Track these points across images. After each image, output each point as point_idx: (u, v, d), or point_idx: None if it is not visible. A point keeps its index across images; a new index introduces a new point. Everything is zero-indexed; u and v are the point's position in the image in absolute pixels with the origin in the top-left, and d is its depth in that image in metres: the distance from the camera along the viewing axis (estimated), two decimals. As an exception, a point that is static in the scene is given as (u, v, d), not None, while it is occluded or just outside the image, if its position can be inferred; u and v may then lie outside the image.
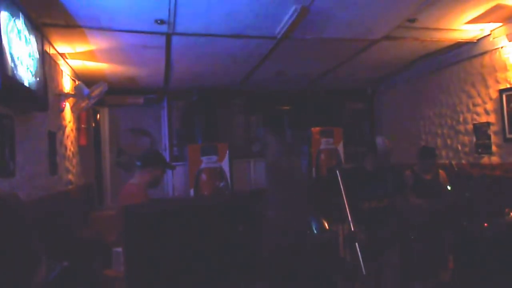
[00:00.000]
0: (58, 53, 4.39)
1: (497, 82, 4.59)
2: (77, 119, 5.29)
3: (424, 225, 4.11)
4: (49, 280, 2.40)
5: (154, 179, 3.20)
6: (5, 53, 2.40)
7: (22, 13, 2.78)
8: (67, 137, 4.73)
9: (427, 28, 4.34)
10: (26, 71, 2.82)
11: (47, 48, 3.91)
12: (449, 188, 4.29)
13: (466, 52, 5.02)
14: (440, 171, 4.48)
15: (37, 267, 0.98)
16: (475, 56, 4.92)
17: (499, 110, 4.57)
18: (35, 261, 0.98)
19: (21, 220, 0.98)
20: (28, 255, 0.97)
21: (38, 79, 3.11)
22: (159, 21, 3.66)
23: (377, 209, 3.63)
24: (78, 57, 4.67)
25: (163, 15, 3.54)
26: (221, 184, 4.21)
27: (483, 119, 4.85)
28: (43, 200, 3.56)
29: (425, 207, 4.15)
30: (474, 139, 5.01)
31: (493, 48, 4.60)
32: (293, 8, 3.51)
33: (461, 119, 5.27)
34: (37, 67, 3.10)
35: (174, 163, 6.82)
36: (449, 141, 5.52)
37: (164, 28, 3.84)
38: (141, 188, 3.12)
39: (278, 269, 3.89)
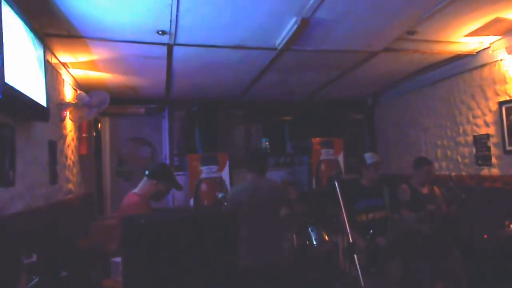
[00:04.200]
0: (60, 62, 4.42)
1: (497, 94, 4.61)
2: (78, 128, 5.31)
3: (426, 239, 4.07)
4: None
5: (157, 193, 3.13)
6: (6, 62, 2.42)
7: (24, 23, 2.81)
8: (68, 146, 4.74)
9: (427, 41, 4.37)
10: (27, 81, 2.84)
11: (49, 57, 3.94)
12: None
13: (466, 65, 5.04)
14: (434, 187, 4.38)
15: (18, 279, 1.00)
16: (475, 68, 4.94)
17: (498, 122, 4.58)
18: (17, 273, 0.99)
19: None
20: (10, 268, 0.98)
21: (39, 88, 3.13)
22: (160, 32, 3.69)
23: (374, 220, 3.68)
24: (80, 67, 4.70)
25: (165, 26, 3.57)
26: (220, 194, 4.19)
27: (483, 131, 4.86)
28: (43, 210, 3.56)
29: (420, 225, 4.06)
30: (474, 151, 5.01)
31: (492, 60, 4.62)
32: (293, 20, 3.53)
33: (461, 130, 5.28)
34: (38, 76, 3.12)
35: (174, 173, 6.84)
36: (449, 153, 5.52)
37: (165, 39, 3.87)
38: (144, 199, 3.07)
39: (278, 281, 3.87)
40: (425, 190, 4.29)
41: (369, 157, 3.87)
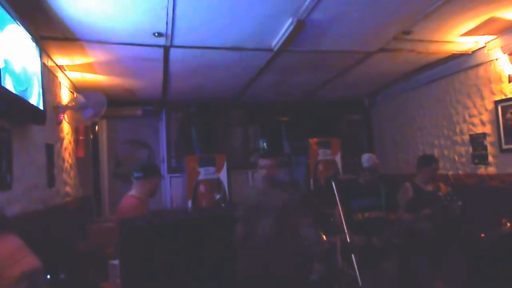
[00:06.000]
0: (57, 65, 4.42)
1: (493, 93, 4.63)
2: (75, 131, 5.29)
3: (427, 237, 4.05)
4: None
5: (154, 188, 3.29)
6: (2, 65, 2.42)
7: (20, 26, 2.81)
8: (65, 149, 4.73)
9: (423, 40, 4.38)
10: (24, 84, 2.83)
11: (46, 60, 3.93)
12: None
13: (462, 64, 5.06)
14: (440, 184, 4.37)
15: None
16: (471, 67, 4.96)
17: (494, 121, 4.60)
18: None
19: None
20: None
21: (36, 91, 3.13)
22: (157, 34, 3.70)
23: (370, 219, 3.70)
24: (77, 69, 4.70)
25: (161, 28, 3.57)
26: (217, 196, 4.20)
27: (479, 130, 4.88)
28: (41, 213, 3.55)
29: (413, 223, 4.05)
30: (471, 150, 5.03)
31: (488, 60, 4.64)
32: (289, 21, 3.54)
33: (457, 129, 5.30)
34: (35, 79, 3.12)
35: (172, 175, 6.87)
36: (446, 152, 5.54)
37: (162, 41, 3.87)
38: (143, 200, 3.15)
39: (276, 281, 3.87)
40: (429, 188, 4.25)
41: (365, 160, 3.86)
